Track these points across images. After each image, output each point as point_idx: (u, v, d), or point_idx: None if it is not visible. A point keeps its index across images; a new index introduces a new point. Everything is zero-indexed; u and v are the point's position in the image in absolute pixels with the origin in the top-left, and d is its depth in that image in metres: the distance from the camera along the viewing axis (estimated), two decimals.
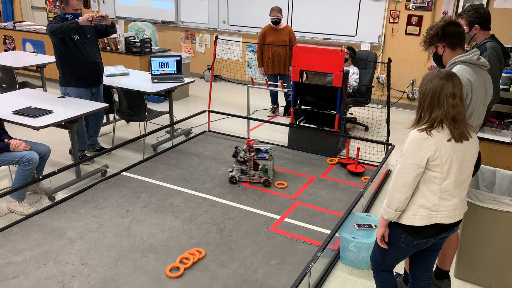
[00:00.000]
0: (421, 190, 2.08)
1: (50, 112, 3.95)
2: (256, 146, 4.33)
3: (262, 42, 6.11)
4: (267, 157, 4.23)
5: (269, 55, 6.12)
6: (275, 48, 6.01)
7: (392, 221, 2.16)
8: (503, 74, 3.76)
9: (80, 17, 4.20)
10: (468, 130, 2.07)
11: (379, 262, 2.37)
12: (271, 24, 6.04)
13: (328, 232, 3.47)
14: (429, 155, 2.00)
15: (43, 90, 6.21)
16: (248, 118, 5.60)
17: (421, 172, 2.04)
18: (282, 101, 6.74)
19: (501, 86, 3.75)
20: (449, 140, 2.01)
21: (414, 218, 2.10)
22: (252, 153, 4.21)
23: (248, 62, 8.15)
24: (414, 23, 6.60)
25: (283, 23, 6.09)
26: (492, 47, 3.11)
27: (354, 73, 5.66)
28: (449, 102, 1.99)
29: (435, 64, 2.61)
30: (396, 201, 2.09)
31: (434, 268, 2.93)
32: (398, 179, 2.08)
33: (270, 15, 5.99)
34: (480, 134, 3.29)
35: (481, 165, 3.11)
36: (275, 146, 5.18)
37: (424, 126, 2.03)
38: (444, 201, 2.08)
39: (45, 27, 7.83)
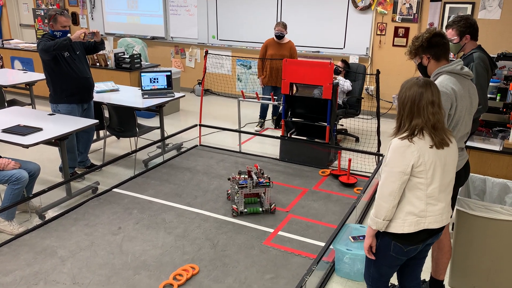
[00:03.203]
0: (407, 197, 2.09)
1: (39, 129, 3.92)
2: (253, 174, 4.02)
3: (264, 53, 6.20)
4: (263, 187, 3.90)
5: (267, 67, 6.19)
6: (275, 62, 6.09)
7: (381, 230, 2.16)
8: (490, 84, 3.82)
9: (71, 34, 4.20)
10: (448, 135, 2.11)
11: (376, 278, 2.34)
12: (274, 38, 6.12)
13: (322, 244, 3.45)
14: (413, 162, 2.02)
15: (32, 108, 6.18)
16: (240, 132, 5.61)
17: (406, 180, 2.05)
18: (269, 115, 6.79)
19: (488, 96, 3.80)
20: (430, 147, 2.03)
21: (403, 225, 2.10)
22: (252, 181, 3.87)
23: (238, 76, 8.19)
24: (401, 34, 6.70)
25: (286, 38, 6.17)
26: (479, 57, 3.16)
27: (345, 81, 5.71)
28: (429, 110, 2.02)
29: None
30: (383, 210, 2.09)
31: (428, 278, 2.94)
32: (384, 189, 2.09)
33: (274, 29, 6.08)
34: (470, 143, 3.32)
35: (472, 174, 3.14)
36: (266, 158, 5.18)
37: (405, 134, 2.05)
38: (431, 206, 2.09)
39: (34, 45, 7.82)
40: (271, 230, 3.66)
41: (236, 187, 3.87)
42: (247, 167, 4.09)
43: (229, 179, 4.01)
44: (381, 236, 2.19)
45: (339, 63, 5.90)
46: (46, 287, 2.94)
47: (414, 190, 2.08)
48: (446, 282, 2.99)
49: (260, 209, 3.89)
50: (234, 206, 3.88)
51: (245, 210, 3.87)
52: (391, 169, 2.06)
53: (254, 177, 3.92)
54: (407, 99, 2.06)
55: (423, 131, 2.04)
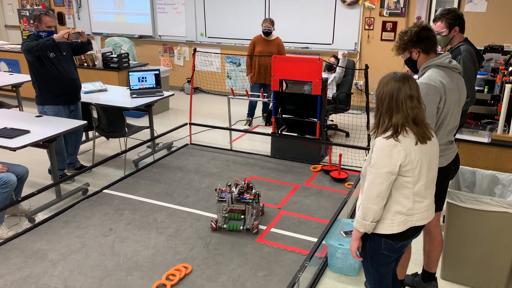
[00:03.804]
0: (394, 197, 2.06)
1: (27, 132, 3.87)
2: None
3: (252, 50, 6.16)
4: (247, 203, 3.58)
5: (256, 64, 6.16)
6: (263, 59, 6.06)
7: (369, 233, 2.12)
8: (477, 76, 3.84)
9: (55, 34, 4.14)
10: (429, 130, 2.09)
11: (377, 280, 2.28)
12: (262, 34, 6.08)
13: (315, 240, 3.46)
14: (400, 161, 1.98)
15: (19, 110, 6.10)
16: (230, 129, 5.59)
17: (393, 179, 2.01)
18: (258, 112, 6.77)
19: (476, 88, 3.82)
20: (416, 143, 2.01)
21: (392, 226, 2.07)
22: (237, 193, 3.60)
23: (227, 73, 8.16)
24: (388, 29, 6.72)
25: (274, 35, 6.14)
26: (466, 50, 3.18)
27: (337, 73, 5.75)
28: (407, 105, 2.00)
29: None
30: (372, 212, 2.05)
31: (420, 271, 2.96)
32: (372, 190, 2.03)
33: (262, 25, 6.04)
34: (458, 136, 3.34)
35: (461, 166, 3.16)
36: (258, 156, 5.17)
37: (389, 133, 2.01)
38: (418, 203, 2.07)
39: (20, 46, 7.72)
40: (264, 227, 3.65)
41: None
42: (235, 179, 3.77)
43: (216, 189, 3.70)
44: (370, 236, 2.15)
45: (331, 59, 5.89)
46: None
47: (401, 189, 2.04)
48: (438, 275, 3.02)
49: (241, 227, 3.56)
50: (215, 218, 3.65)
51: (224, 226, 3.57)
52: (378, 170, 2.01)
53: (235, 191, 3.59)
54: (385, 95, 2.03)
55: (405, 127, 2.01)
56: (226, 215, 3.61)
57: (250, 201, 3.56)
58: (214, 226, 3.56)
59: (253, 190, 3.68)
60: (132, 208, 3.97)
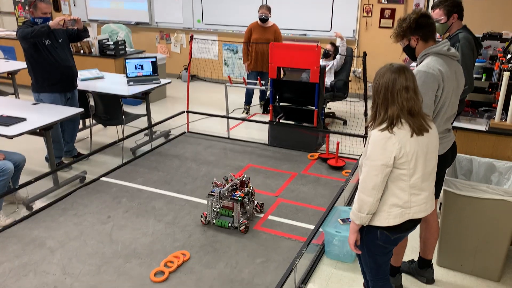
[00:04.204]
0: (391, 189, 2.06)
1: (23, 119, 3.85)
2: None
3: (248, 38, 6.10)
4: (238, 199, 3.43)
5: (253, 52, 6.12)
6: (260, 46, 6.01)
7: (365, 225, 2.13)
8: (476, 64, 3.83)
9: (51, 21, 4.10)
10: (427, 121, 2.07)
11: (374, 269, 2.28)
12: (258, 21, 6.03)
13: (312, 227, 3.48)
14: (395, 153, 1.97)
15: (16, 97, 6.06)
16: (228, 117, 5.58)
17: (389, 172, 2.01)
18: (256, 100, 6.75)
19: (474, 76, 3.81)
20: (411, 135, 1.99)
21: (388, 218, 2.07)
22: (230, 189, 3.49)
23: (225, 60, 8.12)
24: (387, 16, 6.68)
25: (271, 21, 6.09)
26: (465, 37, 3.16)
27: (336, 59, 5.72)
28: (402, 96, 1.98)
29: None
30: (367, 205, 2.05)
31: (417, 258, 2.98)
32: (367, 183, 2.03)
33: (258, 11, 6.00)
34: (456, 123, 3.35)
35: (458, 154, 3.16)
36: (255, 144, 5.17)
37: (384, 125, 2.00)
38: (415, 196, 2.06)
39: (15, 33, 7.64)
40: (261, 215, 3.67)
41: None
42: (231, 174, 3.70)
43: (212, 182, 3.62)
44: (367, 228, 2.15)
45: (328, 46, 5.86)
46: (36, 278, 2.92)
47: (397, 182, 2.04)
48: (434, 261, 3.04)
49: (229, 224, 3.45)
50: (205, 212, 3.55)
51: (214, 221, 3.50)
52: (372, 162, 2.00)
53: (226, 187, 3.46)
54: (381, 87, 2.02)
55: (401, 119, 1.99)
56: (218, 210, 3.52)
57: (240, 198, 3.42)
58: (204, 221, 3.51)
59: (247, 188, 3.56)
60: (130, 196, 3.97)
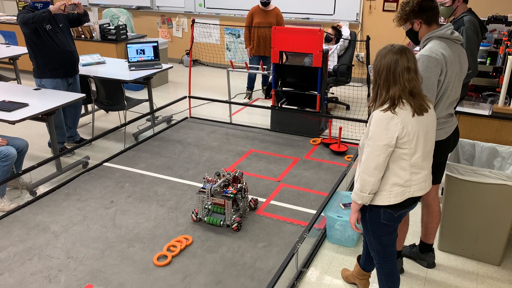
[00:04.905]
0: (392, 169, 2.08)
1: (25, 105, 3.85)
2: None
3: (250, 22, 6.03)
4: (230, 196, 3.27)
5: (255, 36, 6.05)
6: (262, 30, 5.94)
7: (366, 204, 2.16)
8: (480, 47, 3.79)
9: (52, 6, 4.07)
10: (426, 101, 2.09)
11: (379, 251, 2.31)
12: (260, 5, 5.95)
13: (314, 212, 3.49)
14: (397, 133, 1.99)
15: (18, 83, 6.05)
16: (230, 103, 5.56)
17: (391, 152, 2.04)
18: (258, 85, 6.71)
19: (478, 60, 3.78)
20: (413, 115, 2.01)
21: (389, 197, 2.10)
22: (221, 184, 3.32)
23: (227, 45, 8.06)
24: None
25: (272, 5, 6.01)
26: (470, 20, 3.12)
27: (339, 44, 5.68)
28: (404, 77, 2.00)
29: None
30: (369, 184, 2.08)
31: (418, 242, 2.99)
32: (369, 163, 2.06)
33: None
34: (459, 108, 3.33)
35: (461, 139, 3.15)
36: (257, 129, 5.17)
37: (386, 106, 2.02)
38: (415, 175, 2.10)
39: (16, 17, 7.60)
40: (263, 200, 3.68)
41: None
42: (223, 169, 3.55)
43: (203, 178, 3.46)
44: (369, 208, 2.18)
45: (330, 30, 5.81)
46: (40, 262, 2.95)
47: (398, 161, 2.07)
48: (435, 246, 3.06)
49: (221, 222, 3.30)
50: (197, 209, 3.38)
51: (205, 219, 3.35)
52: (375, 142, 2.03)
53: (217, 184, 3.29)
54: (383, 67, 2.02)
55: (402, 99, 2.01)
56: (210, 207, 3.37)
57: (232, 195, 3.27)
58: (195, 218, 3.37)
59: (239, 184, 3.39)
60: (132, 181, 3.99)
